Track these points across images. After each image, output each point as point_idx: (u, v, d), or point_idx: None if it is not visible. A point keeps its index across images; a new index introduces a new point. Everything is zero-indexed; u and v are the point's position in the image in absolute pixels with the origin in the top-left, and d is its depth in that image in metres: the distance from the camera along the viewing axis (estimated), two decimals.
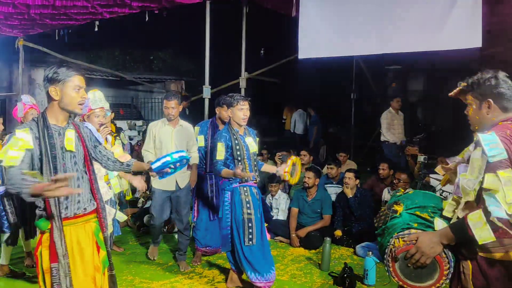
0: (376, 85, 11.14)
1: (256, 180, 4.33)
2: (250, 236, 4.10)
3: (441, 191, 5.32)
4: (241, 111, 4.20)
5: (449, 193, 4.43)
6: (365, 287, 4.59)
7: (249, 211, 4.14)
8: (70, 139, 2.65)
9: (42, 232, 2.59)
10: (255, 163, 4.35)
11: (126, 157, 3.03)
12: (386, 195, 6.03)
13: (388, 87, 13.45)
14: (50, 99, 2.62)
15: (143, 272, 4.88)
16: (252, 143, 4.32)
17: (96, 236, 2.75)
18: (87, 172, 2.76)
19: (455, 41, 5.02)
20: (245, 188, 4.20)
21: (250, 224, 4.11)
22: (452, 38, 5.02)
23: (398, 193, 2.69)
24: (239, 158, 4.19)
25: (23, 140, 2.50)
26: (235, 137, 4.22)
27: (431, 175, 5.78)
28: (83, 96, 2.65)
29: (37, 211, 2.61)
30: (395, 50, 5.41)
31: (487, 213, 2.03)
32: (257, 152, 4.47)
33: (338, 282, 4.60)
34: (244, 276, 4.42)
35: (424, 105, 13.18)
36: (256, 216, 4.16)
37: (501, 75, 2.25)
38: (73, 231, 2.62)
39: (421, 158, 5.85)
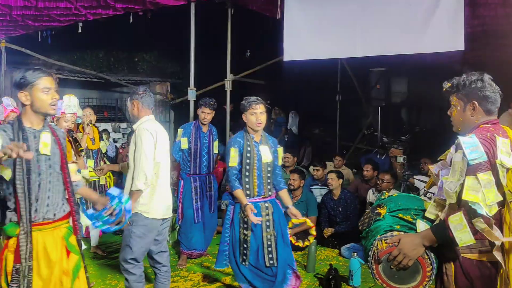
0: (360, 86, 11.21)
1: (265, 195, 3.94)
2: (244, 257, 3.89)
3: (424, 191, 5.37)
4: (253, 115, 3.84)
5: (433, 194, 4.47)
6: None
7: (245, 231, 3.87)
8: (45, 143, 2.62)
9: (9, 237, 2.55)
10: (268, 175, 3.94)
11: (76, 177, 2.97)
12: (370, 196, 6.07)
13: (373, 89, 13.53)
14: (22, 104, 2.61)
15: None
16: (266, 153, 3.91)
17: (66, 241, 2.71)
18: (63, 175, 2.72)
19: (438, 44, 5.08)
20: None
21: (245, 245, 3.89)
22: (435, 41, 5.07)
23: (382, 197, 2.71)
24: (248, 167, 3.84)
25: None
26: (248, 143, 3.87)
27: (415, 177, 5.84)
28: (54, 97, 2.62)
29: (8, 213, 2.57)
30: (379, 53, 5.46)
31: (468, 216, 2.04)
32: (274, 163, 4.00)
33: (324, 284, 4.61)
34: None
35: (408, 107, 13.29)
36: (252, 238, 3.87)
37: (486, 77, 2.24)
38: (40, 237, 2.59)
39: (400, 159, 5.93)
